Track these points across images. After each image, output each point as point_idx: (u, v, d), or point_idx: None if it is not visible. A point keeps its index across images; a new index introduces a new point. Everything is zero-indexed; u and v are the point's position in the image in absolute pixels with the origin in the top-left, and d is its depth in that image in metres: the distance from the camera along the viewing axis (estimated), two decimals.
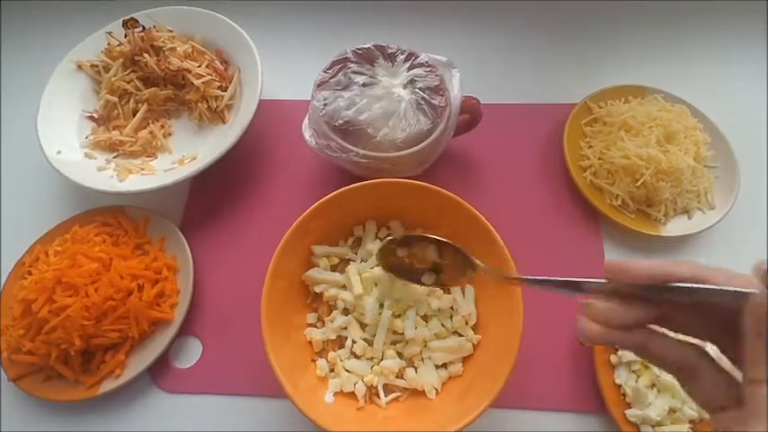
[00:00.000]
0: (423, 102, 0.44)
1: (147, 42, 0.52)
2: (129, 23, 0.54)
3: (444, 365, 0.39)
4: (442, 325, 0.39)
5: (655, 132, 0.47)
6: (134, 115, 0.52)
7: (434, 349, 0.38)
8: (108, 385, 0.40)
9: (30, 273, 0.43)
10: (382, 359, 0.39)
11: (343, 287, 0.41)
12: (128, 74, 0.53)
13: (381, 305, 0.39)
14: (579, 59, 0.60)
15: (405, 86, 0.44)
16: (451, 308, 0.40)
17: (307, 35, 0.63)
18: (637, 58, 0.60)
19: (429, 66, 0.45)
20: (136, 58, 0.52)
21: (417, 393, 0.38)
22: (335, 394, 0.38)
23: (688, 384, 0.21)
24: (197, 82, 0.51)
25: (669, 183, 0.46)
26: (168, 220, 0.47)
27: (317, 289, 0.41)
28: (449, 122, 0.44)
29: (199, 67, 0.52)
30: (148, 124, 0.53)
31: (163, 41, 0.52)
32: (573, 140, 0.51)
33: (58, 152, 0.48)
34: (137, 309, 0.41)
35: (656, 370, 0.38)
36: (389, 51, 0.46)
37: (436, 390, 0.38)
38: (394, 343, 0.39)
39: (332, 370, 0.39)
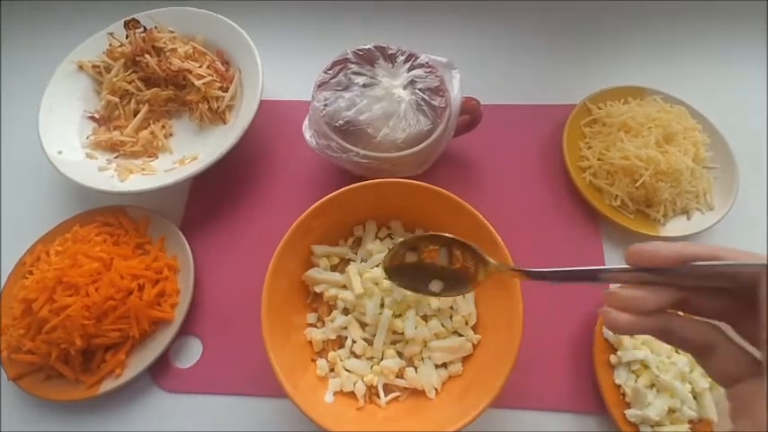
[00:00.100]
0: (423, 102, 0.44)
1: (148, 43, 0.52)
2: (131, 24, 0.54)
3: (444, 365, 0.39)
4: (442, 325, 0.39)
5: (654, 133, 0.48)
6: (135, 116, 0.53)
7: (434, 349, 0.38)
8: (108, 385, 0.41)
9: (30, 272, 0.43)
10: (382, 359, 0.39)
11: (344, 287, 0.41)
12: (129, 74, 0.53)
13: (381, 305, 0.39)
14: (579, 60, 0.60)
15: (405, 87, 0.45)
16: (451, 308, 0.40)
17: (307, 36, 0.64)
18: (636, 59, 0.60)
19: (429, 67, 0.45)
20: (137, 58, 0.52)
21: (417, 393, 0.38)
22: (335, 394, 0.38)
23: (705, 361, 0.21)
24: (198, 83, 0.51)
25: (668, 183, 0.46)
26: (169, 220, 0.47)
27: (317, 289, 0.41)
28: (449, 123, 0.44)
29: (200, 67, 0.52)
30: (149, 124, 0.53)
31: (164, 42, 0.53)
32: (572, 141, 0.51)
33: (60, 152, 0.48)
34: (137, 308, 0.41)
35: (655, 370, 0.38)
36: (390, 52, 0.46)
37: (436, 390, 0.38)
38: (394, 343, 0.39)
39: (332, 370, 0.39)
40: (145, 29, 0.54)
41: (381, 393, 0.38)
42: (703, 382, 0.38)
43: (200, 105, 0.52)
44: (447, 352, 0.38)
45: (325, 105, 0.44)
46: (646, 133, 0.48)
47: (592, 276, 0.23)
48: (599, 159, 0.49)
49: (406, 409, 0.38)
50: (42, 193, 0.53)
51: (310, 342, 0.40)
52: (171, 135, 0.53)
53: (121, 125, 0.52)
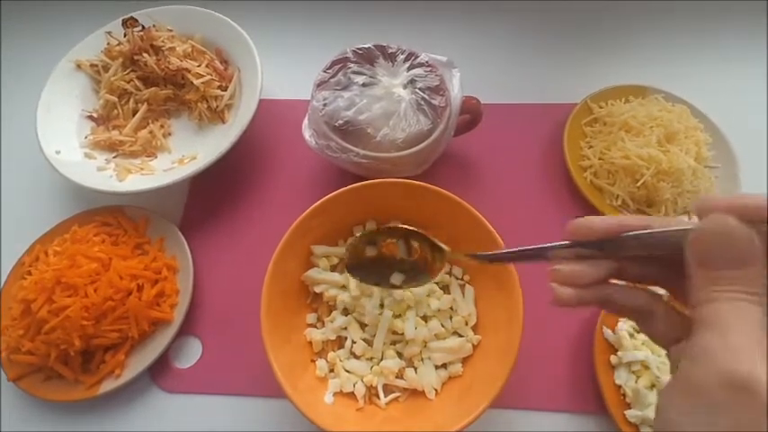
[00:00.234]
0: (423, 102, 0.44)
1: (146, 42, 0.52)
2: (129, 23, 0.54)
3: (444, 366, 0.39)
4: (442, 325, 0.39)
5: (655, 132, 0.47)
6: (134, 115, 0.52)
7: (434, 350, 0.38)
8: (108, 385, 0.40)
9: (29, 273, 0.43)
10: (382, 359, 0.39)
11: (343, 287, 0.41)
12: (127, 73, 0.53)
13: (381, 305, 0.39)
14: (579, 59, 0.60)
15: (405, 86, 0.44)
16: (451, 308, 0.40)
17: (307, 35, 0.63)
18: (637, 57, 0.59)
19: (429, 66, 0.45)
20: (135, 57, 0.52)
21: (417, 394, 0.38)
22: (335, 394, 0.38)
23: (647, 325, 0.23)
24: (197, 82, 0.51)
25: (670, 183, 0.46)
26: (168, 220, 0.47)
27: (317, 289, 0.41)
28: (449, 122, 0.44)
29: (198, 66, 0.52)
30: (148, 124, 0.53)
31: (162, 41, 0.52)
32: (573, 140, 0.51)
33: (58, 152, 0.48)
34: (136, 309, 0.41)
35: (655, 371, 0.38)
36: (389, 51, 0.45)
37: (436, 390, 0.38)
38: (394, 343, 0.39)
39: (331, 370, 0.39)
40: (143, 27, 0.54)
41: (381, 394, 0.38)
42: None
43: (199, 105, 0.52)
44: (447, 352, 0.38)
45: (325, 105, 0.44)
46: (647, 132, 0.48)
47: (540, 254, 0.24)
48: (600, 159, 0.49)
49: (405, 409, 0.38)
50: (41, 193, 0.53)
51: (310, 342, 0.40)
52: (170, 134, 0.53)
53: (120, 125, 0.52)
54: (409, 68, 0.45)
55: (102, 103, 0.53)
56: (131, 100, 0.53)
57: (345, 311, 0.40)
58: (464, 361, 0.39)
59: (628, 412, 0.38)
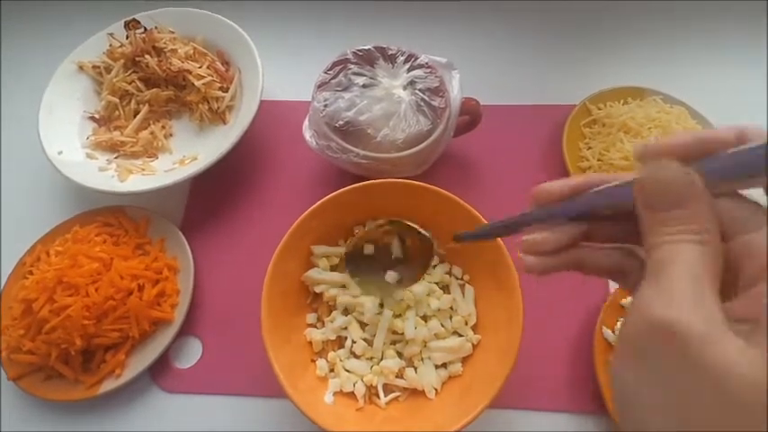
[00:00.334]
0: (423, 103, 0.44)
1: (148, 43, 0.52)
2: (131, 25, 0.54)
3: (444, 365, 0.39)
4: (442, 325, 0.39)
5: (654, 134, 0.48)
6: (135, 116, 0.53)
7: (434, 349, 0.38)
8: (108, 385, 0.41)
9: (30, 273, 0.43)
10: (382, 359, 0.39)
11: (343, 287, 0.41)
12: (129, 75, 0.53)
13: (381, 305, 0.39)
14: (578, 60, 0.60)
15: (405, 88, 0.45)
16: (451, 308, 0.40)
17: (307, 36, 0.64)
18: (636, 59, 0.60)
19: (429, 67, 0.45)
20: (137, 59, 0.52)
21: (417, 393, 0.38)
22: (335, 394, 0.38)
23: (626, 284, 0.23)
24: (198, 83, 0.51)
25: None
26: (169, 221, 0.47)
27: (317, 289, 0.41)
28: (449, 123, 0.44)
29: (200, 68, 0.52)
30: (149, 125, 0.53)
31: (164, 43, 0.53)
32: (572, 142, 0.51)
33: (60, 152, 0.48)
34: (137, 309, 0.41)
35: None
36: (390, 53, 0.46)
37: (436, 390, 0.38)
38: (394, 343, 0.39)
39: (332, 370, 0.39)
40: (145, 29, 0.54)
41: (381, 394, 0.38)
42: None
43: (200, 106, 0.52)
44: (447, 352, 0.38)
45: (325, 106, 0.44)
46: (646, 134, 0.48)
47: (514, 227, 0.25)
48: (599, 160, 0.49)
49: (405, 409, 0.38)
50: (42, 194, 0.53)
51: (310, 342, 0.40)
52: (171, 135, 0.53)
53: (121, 125, 0.52)
54: (409, 70, 0.45)
55: (104, 105, 0.53)
56: (133, 101, 0.53)
57: (345, 311, 0.40)
58: (464, 361, 0.39)
59: None
